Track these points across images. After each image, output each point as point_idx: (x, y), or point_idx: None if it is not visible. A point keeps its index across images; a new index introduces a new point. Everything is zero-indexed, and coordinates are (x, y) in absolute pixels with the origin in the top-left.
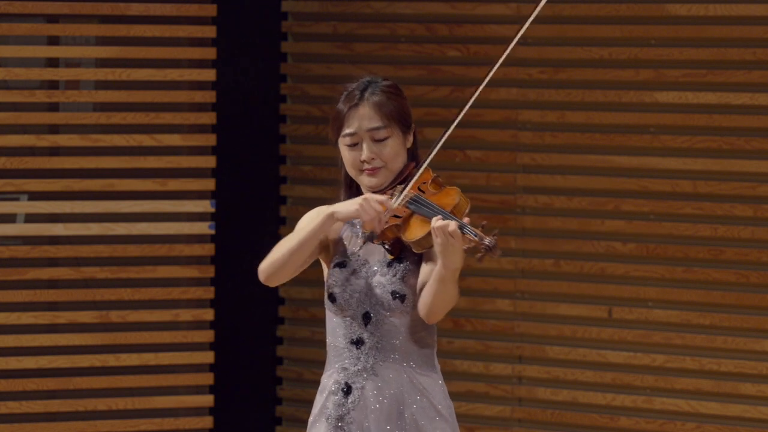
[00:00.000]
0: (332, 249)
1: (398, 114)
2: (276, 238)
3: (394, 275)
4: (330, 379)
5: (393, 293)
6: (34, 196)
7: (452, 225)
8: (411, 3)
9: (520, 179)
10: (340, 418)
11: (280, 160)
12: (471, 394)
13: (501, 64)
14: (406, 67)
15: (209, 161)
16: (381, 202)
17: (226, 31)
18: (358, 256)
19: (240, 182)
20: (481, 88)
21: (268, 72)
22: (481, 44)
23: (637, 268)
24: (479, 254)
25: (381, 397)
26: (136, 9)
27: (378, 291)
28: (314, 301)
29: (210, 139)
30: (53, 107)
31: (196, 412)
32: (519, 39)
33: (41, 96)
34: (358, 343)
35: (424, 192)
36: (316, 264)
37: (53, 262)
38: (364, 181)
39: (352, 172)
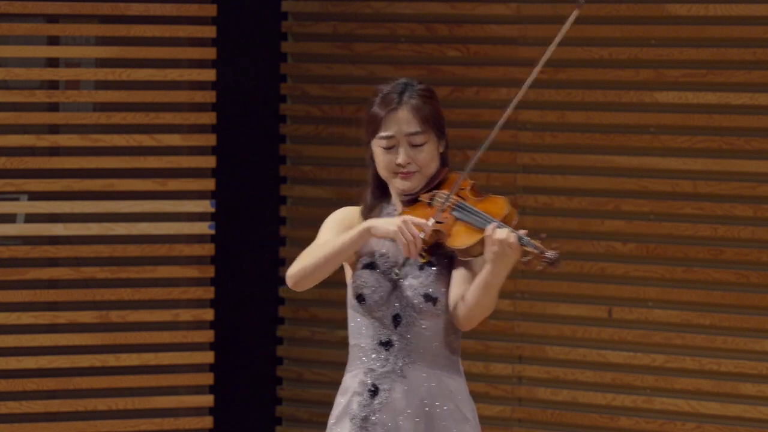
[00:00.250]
0: (359, 252)
1: (434, 119)
2: (276, 238)
3: (427, 278)
4: (354, 380)
5: (426, 296)
6: (34, 196)
7: (512, 237)
8: (411, 3)
9: (520, 179)
10: (366, 419)
11: (280, 160)
12: (471, 394)
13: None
14: (406, 67)
15: (209, 161)
16: (419, 226)
17: (226, 31)
18: (387, 257)
19: (240, 182)
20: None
21: (268, 72)
22: (481, 44)
23: (637, 268)
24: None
25: (409, 400)
26: (136, 9)
27: (409, 293)
28: (314, 301)
29: (210, 139)
30: (53, 107)
31: (196, 412)
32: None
33: (41, 96)
34: (386, 344)
35: (464, 199)
36: None
37: (53, 262)
38: (396, 184)
39: (385, 174)
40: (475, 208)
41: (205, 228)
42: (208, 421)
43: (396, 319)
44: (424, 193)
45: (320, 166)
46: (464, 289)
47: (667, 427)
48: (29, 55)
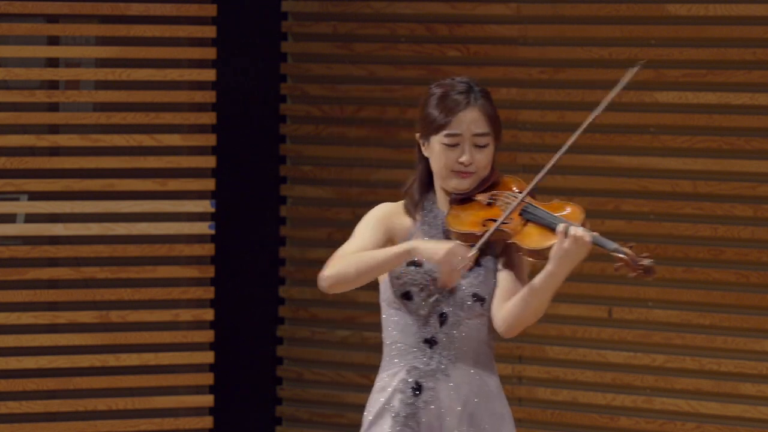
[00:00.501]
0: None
1: (498, 122)
2: (276, 238)
3: (476, 278)
4: (395, 378)
5: (474, 295)
6: (34, 196)
7: (588, 236)
8: (411, 3)
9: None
10: (410, 417)
11: (280, 160)
12: None
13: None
14: (406, 67)
15: (209, 161)
16: (462, 257)
17: (226, 31)
18: None
19: (240, 182)
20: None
21: (268, 72)
22: (481, 44)
23: None
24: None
25: (452, 399)
26: (136, 9)
27: (458, 292)
28: (314, 301)
29: (210, 139)
30: (53, 107)
31: (196, 412)
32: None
33: (41, 96)
34: (431, 342)
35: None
36: (315, 264)
37: (53, 262)
38: (452, 182)
39: (442, 172)
40: (547, 211)
41: (205, 228)
42: (208, 421)
43: (442, 318)
44: (479, 193)
45: (320, 166)
46: (511, 294)
47: (667, 427)
48: (29, 55)
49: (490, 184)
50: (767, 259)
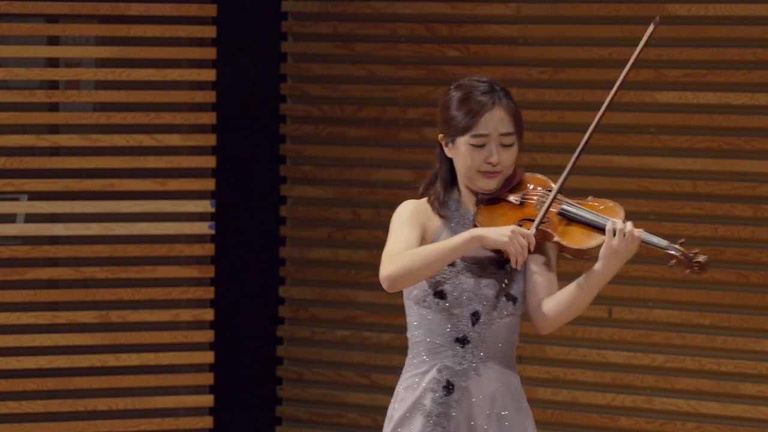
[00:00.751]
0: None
1: (521, 120)
2: (276, 238)
3: (511, 277)
4: (425, 377)
5: (507, 295)
6: (34, 196)
7: (639, 233)
8: (411, 3)
9: None
10: (441, 415)
11: (280, 160)
12: None
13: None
14: (406, 67)
15: (209, 161)
16: (526, 237)
17: (226, 31)
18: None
19: (240, 182)
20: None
21: (268, 72)
22: (481, 44)
23: (637, 268)
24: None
25: (482, 397)
26: (136, 9)
27: (490, 291)
28: (314, 301)
29: (210, 139)
30: (53, 107)
31: (196, 412)
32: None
33: (41, 96)
34: (463, 341)
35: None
36: (316, 264)
37: (53, 262)
38: (479, 182)
39: (469, 172)
40: (589, 209)
41: (205, 228)
42: (208, 421)
43: (475, 317)
44: (507, 192)
45: (320, 166)
46: (548, 291)
47: (667, 427)
48: (29, 55)
49: (516, 183)
50: (767, 259)
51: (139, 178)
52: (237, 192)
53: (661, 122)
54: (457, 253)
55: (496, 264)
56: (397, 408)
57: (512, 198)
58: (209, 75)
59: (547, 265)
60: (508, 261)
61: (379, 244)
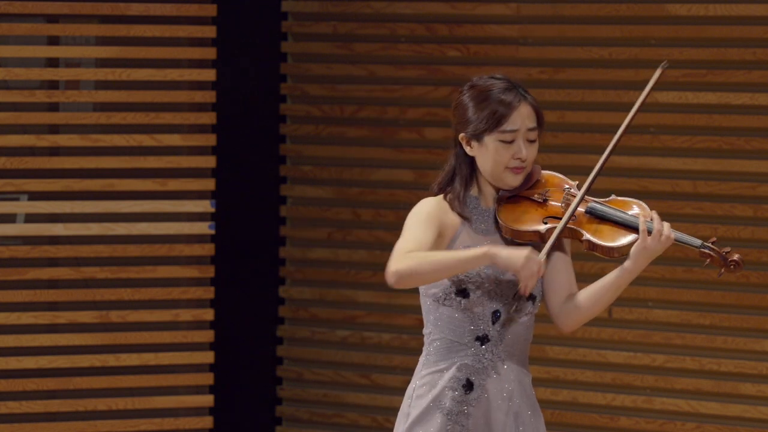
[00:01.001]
0: (447, 246)
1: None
2: (276, 238)
3: None
4: (444, 375)
5: (528, 294)
6: (34, 196)
7: (672, 233)
8: (411, 3)
9: None
10: (461, 414)
11: (280, 160)
12: None
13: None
14: (406, 67)
15: (209, 161)
16: (538, 264)
17: (226, 31)
18: None
19: (240, 182)
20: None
21: (268, 72)
22: (481, 44)
23: None
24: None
25: (500, 396)
26: (136, 9)
27: (510, 289)
28: (314, 301)
29: (210, 139)
30: (53, 107)
31: (196, 412)
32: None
33: (41, 96)
34: (483, 340)
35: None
36: (315, 264)
37: (53, 262)
38: (507, 179)
39: (497, 169)
40: (617, 208)
41: (205, 228)
42: (208, 421)
43: (495, 315)
44: (527, 190)
45: (320, 166)
46: (569, 290)
47: (667, 427)
48: (29, 55)
49: (536, 180)
50: (767, 259)
51: (139, 178)
52: (237, 192)
53: (661, 122)
54: (468, 267)
55: None
56: (414, 405)
57: (533, 196)
58: (209, 75)
59: (567, 263)
60: None
61: (379, 244)
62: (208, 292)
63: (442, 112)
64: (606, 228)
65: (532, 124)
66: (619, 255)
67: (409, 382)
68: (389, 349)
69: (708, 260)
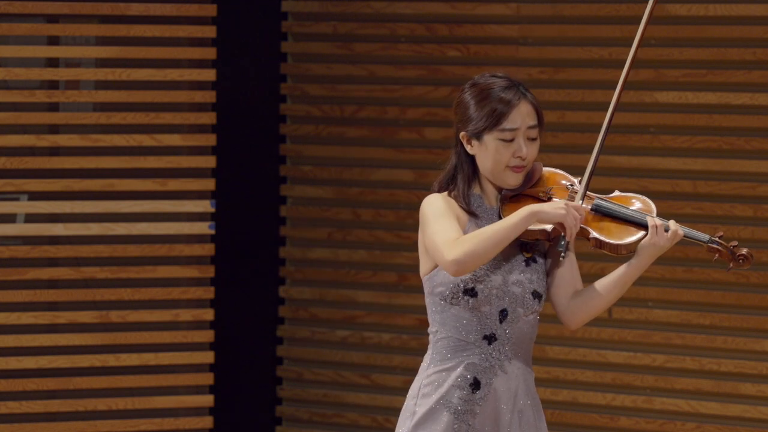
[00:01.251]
0: None
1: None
2: (276, 238)
3: (533, 274)
4: (451, 374)
5: (534, 293)
6: (34, 196)
7: (680, 229)
8: (411, 3)
9: None
10: (468, 412)
11: (280, 160)
12: None
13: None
14: (406, 67)
15: (209, 161)
16: (578, 209)
17: (226, 31)
18: None
19: (240, 182)
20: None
21: (268, 72)
22: (481, 44)
23: None
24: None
25: (507, 395)
26: (136, 9)
27: (517, 289)
28: (314, 301)
29: (210, 139)
30: (53, 107)
31: (196, 412)
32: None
33: (41, 96)
34: (490, 338)
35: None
36: (315, 264)
37: (53, 262)
38: (508, 178)
39: (497, 168)
40: (623, 205)
41: (205, 228)
42: (208, 421)
43: (502, 314)
44: (529, 188)
45: (320, 166)
46: (575, 287)
47: (667, 427)
48: (29, 55)
49: (537, 179)
50: (767, 259)
51: (139, 178)
52: (237, 192)
53: (661, 122)
54: (518, 230)
55: (523, 262)
56: (420, 404)
57: (537, 194)
58: (209, 75)
59: (572, 260)
60: (534, 259)
61: (379, 244)
62: (208, 292)
63: (442, 112)
64: (612, 225)
65: (533, 122)
66: (627, 252)
67: (409, 381)
68: (389, 349)
69: (716, 255)
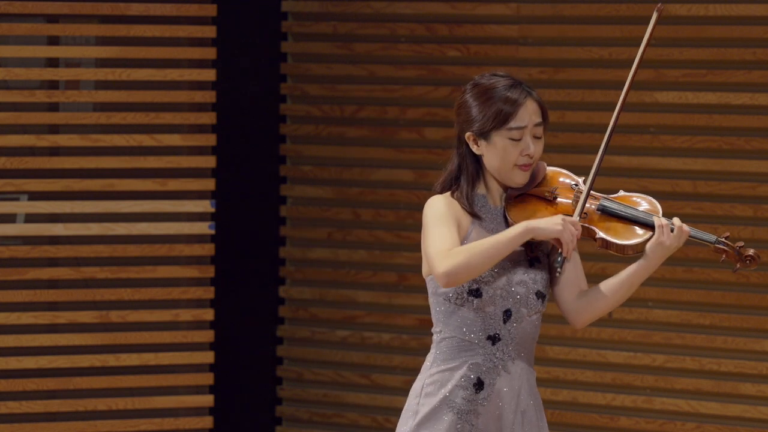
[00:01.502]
0: (461, 243)
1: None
2: (276, 238)
3: (537, 274)
4: (455, 374)
5: (537, 293)
6: (34, 196)
7: (686, 227)
8: (411, 3)
9: None
10: (471, 413)
11: (280, 160)
12: None
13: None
14: (406, 67)
15: (209, 161)
16: (575, 224)
17: (226, 31)
18: None
19: (240, 182)
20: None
21: (268, 72)
22: (481, 44)
23: None
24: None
25: (510, 395)
26: (136, 9)
27: (521, 289)
28: (314, 301)
29: (210, 139)
30: (53, 107)
31: (196, 412)
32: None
33: (41, 96)
34: (494, 339)
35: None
36: (315, 264)
37: (53, 262)
38: (515, 177)
39: (505, 167)
40: (628, 205)
41: (205, 228)
42: (208, 421)
43: (506, 315)
44: (534, 188)
45: (320, 166)
46: (580, 286)
47: (667, 427)
48: (29, 55)
49: (542, 177)
50: (767, 259)
51: (139, 178)
52: (237, 192)
53: (661, 122)
54: (513, 246)
55: (526, 262)
56: (423, 403)
57: (542, 194)
58: (209, 75)
59: (576, 260)
60: (538, 259)
61: (379, 244)
62: (208, 292)
63: (442, 112)
64: (619, 225)
65: (538, 119)
66: (633, 252)
67: (409, 381)
68: (389, 349)
69: (723, 256)
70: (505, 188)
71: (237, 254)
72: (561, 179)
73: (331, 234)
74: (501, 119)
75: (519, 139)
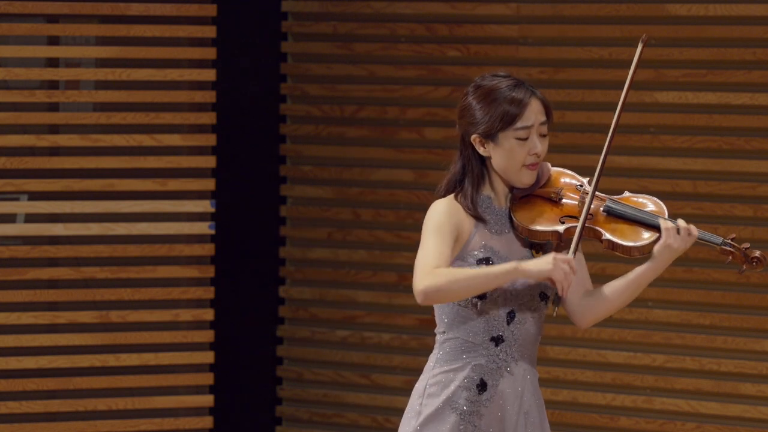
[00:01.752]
0: (463, 246)
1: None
2: (276, 238)
3: None
4: (458, 375)
5: (541, 294)
6: (34, 196)
7: (694, 229)
8: (411, 3)
9: None
10: (474, 414)
11: (280, 160)
12: None
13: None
14: (406, 67)
15: (209, 161)
16: (568, 262)
17: (226, 31)
18: (498, 252)
19: (240, 182)
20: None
21: (268, 72)
22: (481, 44)
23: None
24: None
25: (513, 395)
26: (136, 9)
27: (525, 290)
28: (314, 301)
29: (210, 139)
30: (53, 107)
31: (196, 412)
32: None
33: (41, 96)
34: (497, 340)
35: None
36: (315, 264)
37: (53, 262)
38: (524, 177)
39: (514, 167)
40: (635, 207)
41: (205, 228)
42: (208, 421)
43: (510, 316)
44: (539, 189)
45: (320, 166)
46: (585, 286)
47: (667, 427)
48: (29, 55)
49: (546, 179)
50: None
51: (139, 178)
52: (237, 192)
53: (661, 122)
54: (498, 283)
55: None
56: (425, 404)
57: (548, 195)
58: (209, 75)
59: (581, 261)
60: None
61: (379, 244)
62: (208, 292)
63: (442, 112)
64: (625, 227)
65: (544, 117)
66: (640, 254)
67: (409, 381)
68: (389, 349)
69: (729, 257)
70: (511, 189)
71: (237, 254)
72: (566, 180)
73: (331, 234)
74: (507, 120)
75: (526, 139)
